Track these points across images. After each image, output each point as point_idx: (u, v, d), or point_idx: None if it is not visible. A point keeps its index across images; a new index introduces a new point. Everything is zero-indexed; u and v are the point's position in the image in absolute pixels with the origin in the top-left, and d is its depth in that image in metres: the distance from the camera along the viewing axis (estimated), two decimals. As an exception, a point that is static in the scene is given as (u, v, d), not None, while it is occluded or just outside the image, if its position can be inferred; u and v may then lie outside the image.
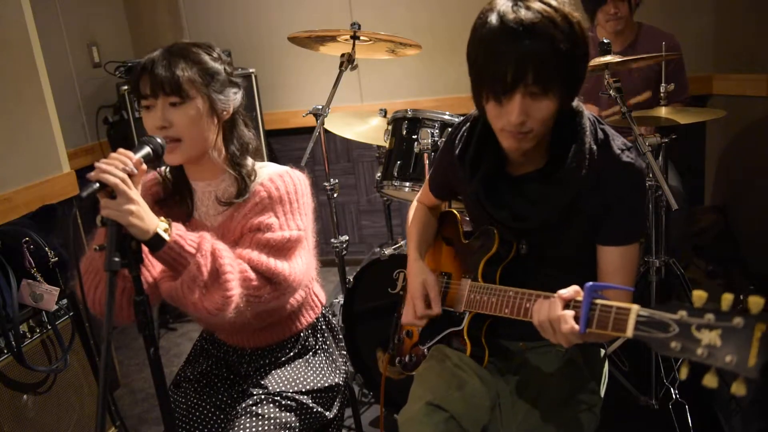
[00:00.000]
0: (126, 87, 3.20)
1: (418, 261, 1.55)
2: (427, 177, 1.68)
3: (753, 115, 3.09)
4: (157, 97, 1.38)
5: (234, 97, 1.48)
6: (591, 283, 1.07)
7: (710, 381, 0.82)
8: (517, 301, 1.27)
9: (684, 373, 0.85)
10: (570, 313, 1.10)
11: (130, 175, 1.20)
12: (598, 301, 1.06)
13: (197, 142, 1.42)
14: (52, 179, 2.50)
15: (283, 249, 1.42)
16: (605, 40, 2.16)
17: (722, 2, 3.20)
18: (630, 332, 0.96)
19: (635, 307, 0.97)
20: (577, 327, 1.08)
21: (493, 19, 1.15)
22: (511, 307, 1.28)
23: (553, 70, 1.13)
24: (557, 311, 1.11)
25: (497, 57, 1.14)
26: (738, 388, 0.78)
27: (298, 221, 1.46)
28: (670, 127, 2.24)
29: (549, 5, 1.14)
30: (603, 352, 1.54)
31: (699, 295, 0.86)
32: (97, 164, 1.18)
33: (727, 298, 0.82)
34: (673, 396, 2.21)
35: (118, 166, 1.19)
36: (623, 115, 2.00)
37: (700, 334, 0.83)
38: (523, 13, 1.12)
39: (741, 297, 0.79)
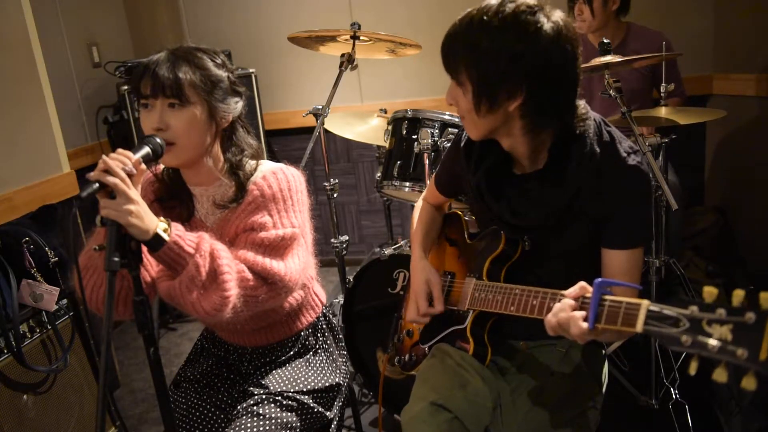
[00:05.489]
0: (126, 87, 3.19)
1: (422, 260, 1.55)
2: (434, 174, 1.69)
3: (753, 115, 3.10)
4: (157, 98, 1.37)
5: (235, 106, 1.47)
6: (600, 279, 1.08)
7: (720, 375, 0.82)
8: (522, 299, 1.27)
9: (693, 368, 0.85)
10: (580, 314, 1.10)
11: (130, 175, 1.20)
12: (608, 297, 1.06)
13: (191, 148, 1.41)
14: (52, 179, 2.50)
15: (279, 248, 1.41)
16: (605, 40, 2.16)
17: (722, 2, 3.21)
18: (640, 327, 0.97)
19: (645, 302, 0.98)
20: (586, 326, 1.08)
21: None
22: (517, 304, 1.29)
23: (456, 61, 1.27)
24: (565, 313, 1.11)
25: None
26: (748, 383, 0.79)
27: (293, 218, 1.44)
28: (670, 127, 2.24)
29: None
30: (603, 351, 1.54)
31: (709, 291, 0.86)
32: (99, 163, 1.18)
33: (739, 294, 0.82)
34: (673, 396, 2.21)
35: (118, 166, 1.19)
36: (623, 115, 2.00)
37: (711, 329, 0.84)
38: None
39: (752, 289, 0.80)
